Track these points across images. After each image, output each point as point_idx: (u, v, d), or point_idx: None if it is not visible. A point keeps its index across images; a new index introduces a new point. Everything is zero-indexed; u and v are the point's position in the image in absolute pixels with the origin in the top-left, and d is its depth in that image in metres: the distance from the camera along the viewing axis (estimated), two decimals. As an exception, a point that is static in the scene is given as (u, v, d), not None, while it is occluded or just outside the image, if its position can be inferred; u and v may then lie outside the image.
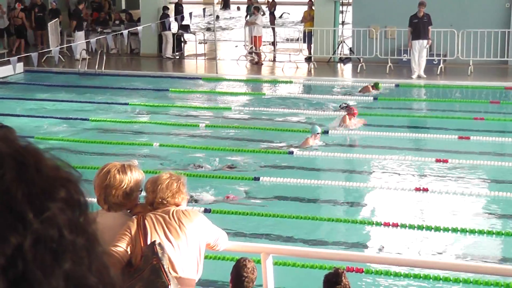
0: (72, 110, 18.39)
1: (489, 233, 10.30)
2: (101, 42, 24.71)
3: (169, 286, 4.43)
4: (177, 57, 26.34)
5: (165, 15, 25.67)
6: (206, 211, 10.61)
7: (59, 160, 1.07)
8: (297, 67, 24.23)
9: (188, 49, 27.72)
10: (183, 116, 18.02)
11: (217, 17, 38.90)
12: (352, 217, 11.03)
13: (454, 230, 10.36)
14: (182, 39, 27.45)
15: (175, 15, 27.27)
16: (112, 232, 4.70)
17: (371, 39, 23.25)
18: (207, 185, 12.15)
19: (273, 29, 28.40)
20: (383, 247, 10.11)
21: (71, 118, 17.38)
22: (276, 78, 22.69)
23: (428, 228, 10.48)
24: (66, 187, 1.03)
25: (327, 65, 24.23)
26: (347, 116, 15.82)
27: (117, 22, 28.73)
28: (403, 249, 9.99)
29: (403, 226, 10.53)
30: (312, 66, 23.57)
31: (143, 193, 4.97)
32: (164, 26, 25.53)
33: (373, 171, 13.39)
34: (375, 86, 19.40)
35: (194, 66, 25.54)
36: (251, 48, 25.25)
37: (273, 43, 27.62)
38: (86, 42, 23.58)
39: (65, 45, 25.18)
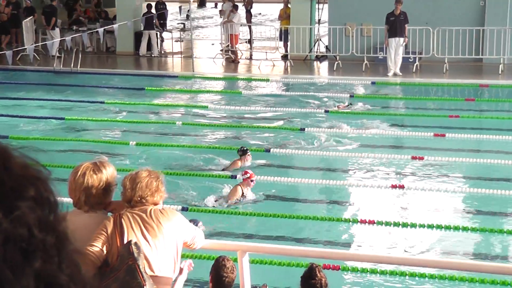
0: (48, 109, 18.27)
1: (465, 229, 10.37)
2: (77, 40, 24.57)
3: (144, 286, 4.41)
4: (154, 55, 26.24)
5: (149, 13, 25.65)
6: (184, 209, 10.59)
7: (28, 158, 1.05)
8: (274, 65, 24.26)
9: (165, 47, 27.66)
10: (159, 114, 17.98)
11: (187, 16, 38.88)
12: (328, 214, 11.05)
13: (430, 226, 10.42)
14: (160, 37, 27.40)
15: (157, 13, 27.18)
16: (88, 231, 4.67)
17: (347, 37, 23.32)
18: (186, 184, 12.12)
19: (250, 27, 28.42)
20: (359, 244, 10.16)
21: (46, 117, 17.27)
22: (253, 76, 22.70)
23: (405, 225, 10.53)
24: (35, 185, 1.02)
25: (304, 63, 24.27)
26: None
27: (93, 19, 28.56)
28: (379, 246, 10.04)
29: (380, 223, 10.57)
30: (289, 64, 23.61)
31: (118, 190, 4.94)
32: (148, 24, 25.51)
33: (349, 169, 13.42)
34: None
35: (170, 64, 25.48)
36: (228, 46, 25.23)
37: (250, 41, 27.63)
38: (61, 40, 23.43)
39: (40, 43, 24.99)
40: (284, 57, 24.61)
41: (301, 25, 24.10)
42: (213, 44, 29.03)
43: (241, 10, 27.92)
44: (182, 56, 26.35)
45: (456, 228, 10.35)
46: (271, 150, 14.27)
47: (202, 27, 38.32)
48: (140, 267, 4.44)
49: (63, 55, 23.23)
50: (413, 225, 10.49)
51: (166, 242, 4.73)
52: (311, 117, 17.01)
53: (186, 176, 12.64)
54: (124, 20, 24.03)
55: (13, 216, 0.99)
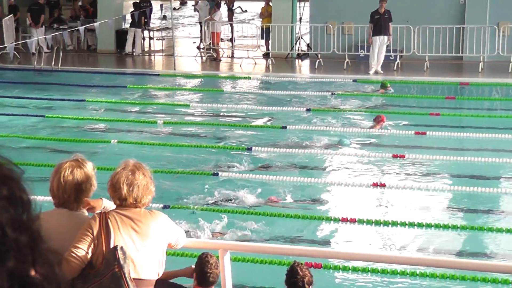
0: (28, 107, 18.17)
1: (445, 227, 10.42)
2: (58, 39, 24.45)
3: None
4: (137, 53, 26.13)
5: (136, 11, 25.61)
6: (165, 207, 10.57)
7: (1, 157, 1.04)
8: (255, 63, 24.26)
9: (146, 45, 27.58)
10: (141, 112, 17.94)
11: (164, 16, 38.84)
12: (310, 213, 11.07)
13: (411, 224, 10.46)
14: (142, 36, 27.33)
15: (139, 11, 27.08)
16: (70, 230, 4.63)
17: (328, 35, 23.36)
18: (167, 181, 12.09)
19: (231, 25, 28.39)
20: (341, 242, 10.18)
21: (27, 115, 17.18)
22: (234, 74, 22.69)
23: (386, 223, 10.57)
24: (7, 184, 1.01)
25: (285, 61, 24.30)
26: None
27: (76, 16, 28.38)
28: (361, 244, 10.07)
29: (361, 221, 10.61)
30: (270, 62, 23.62)
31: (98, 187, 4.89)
32: (134, 22, 25.48)
33: (331, 167, 13.44)
34: (383, 86, 18.97)
35: (152, 62, 25.41)
36: (209, 44, 25.20)
37: (231, 40, 27.60)
38: (43, 38, 23.30)
39: (20, 41, 24.82)
40: (266, 55, 24.62)
41: (283, 23, 24.11)
42: (194, 43, 28.97)
43: (223, 8, 27.89)
44: (164, 54, 26.29)
45: (437, 226, 10.40)
46: (253, 148, 14.28)
47: (184, 25, 38.22)
48: (126, 274, 4.40)
49: (43, 53, 23.10)
50: (394, 223, 10.53)
51: (152, 244, 4.68)
52: (293, 115, 17.03)
53: (170, 174, 12.61)
54: (106, 19, 23.92)
55: (-14, 216, 0.98)
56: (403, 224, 10.48)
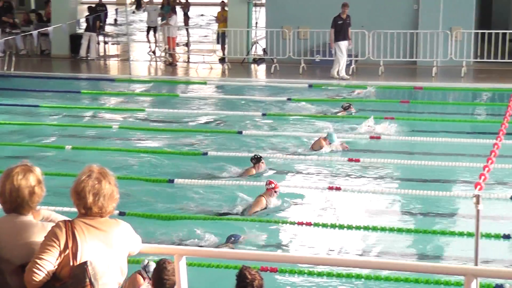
0: (-20, 113, 17.92)
1: (399, 230, 10.53)
2: (10, 43, 24.14)
3: None
4: (91, 58, 25.92)
5: (91, 15, 25.40)
6: (121, 214, 10.48)
7: None
8: (211, 68, 24.25)
9: (101, 50, 27.36)
10: (95, 117, 17.80)
11: (115, 21, 38.56)
12: (266, 216, 11.09)
13: (366, 228, 10.56)
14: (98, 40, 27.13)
15: (94, 16, 26.87)
16: (21, 236, 4.55)
17: (284, 39, 23.46)
18: (122, 188, 11.98)
19: (187, 30, 28.32)
20: (296, 246, 10.22)
21: (-21, 121, 16.95)
22: (190, 79, 22.65)
23: (341, 226, 10.65)
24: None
25: (241, 65, 24.32)
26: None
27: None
28: (316, 247, 10.12)
29: (317, 225, 10.67)
30: (226, 67, 23.63)
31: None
32: (90, 26, 25.28)
33: (287, 171, 13.48)
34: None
35: (107, 67, 25.24)
36: (165, 49, 25.12)
37: (187, 44, 27.55)
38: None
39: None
40: (222, 60, 24.62)
41: (238, 28, 24.14)
42: (149, 48, 28.84)
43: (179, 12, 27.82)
44: (119, 59, 26.13)
45: (392, 230, 10.51)
46: (208, 153, 14.27)
47: (142, 30, 37.98)
48: None
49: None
50: (349, 227, 10.62)
51: (117, 254, 4.61)
52: (248, 119, 17.06)
53: (125, 180, 12.52)
54: (60, 23, 23.68)
55: None
56: (358, 227, 10.57)
